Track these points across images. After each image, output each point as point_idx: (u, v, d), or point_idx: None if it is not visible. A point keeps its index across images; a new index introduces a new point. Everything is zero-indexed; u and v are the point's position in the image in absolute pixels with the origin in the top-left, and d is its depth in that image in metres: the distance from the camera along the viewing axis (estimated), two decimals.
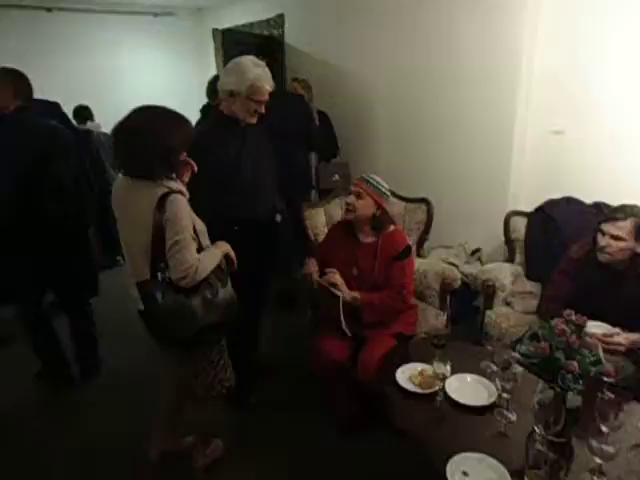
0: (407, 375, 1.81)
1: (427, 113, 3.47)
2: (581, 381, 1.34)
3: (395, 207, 2.81)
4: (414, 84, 3.52)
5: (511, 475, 1.36)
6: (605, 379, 1.60)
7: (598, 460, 1.31)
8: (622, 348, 1.88)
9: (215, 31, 4.36)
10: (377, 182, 2.23)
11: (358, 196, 2.19)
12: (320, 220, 2.92)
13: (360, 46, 3.83)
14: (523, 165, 3.13)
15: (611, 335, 1.90)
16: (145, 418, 2.28)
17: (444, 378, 1.69)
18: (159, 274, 1.65)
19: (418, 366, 1.83)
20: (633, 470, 1.37)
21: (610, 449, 1.30)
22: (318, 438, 2.28)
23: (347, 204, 2.23)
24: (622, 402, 1.43)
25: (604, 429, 1.36)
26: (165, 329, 1.71)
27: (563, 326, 1.38)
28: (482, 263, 3.24)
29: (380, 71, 3.73)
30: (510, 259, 2.87)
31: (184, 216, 1.65)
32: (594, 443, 1.32)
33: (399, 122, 3.72)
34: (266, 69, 2.19)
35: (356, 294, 2.16)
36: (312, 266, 2.29)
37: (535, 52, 2.92)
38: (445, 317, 2.52)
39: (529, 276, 2.69)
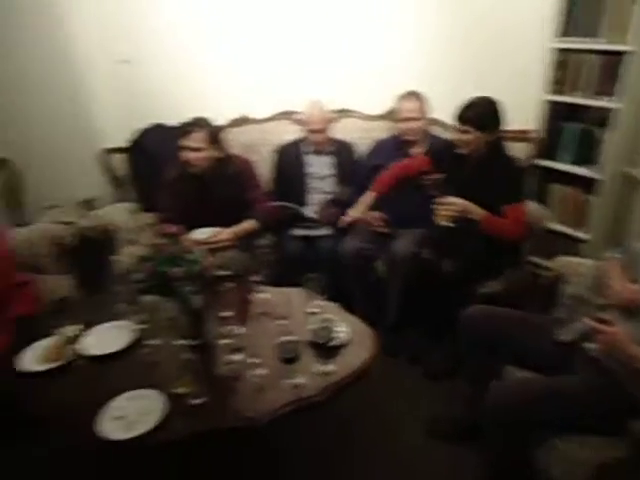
0: (35, 357, 1.57)
1: None
2: (192, 282, 1.43)
3: None
4: None
5: (168, 395, 1.38)
6: (221, 273, 1.81)
7: (228, 341, 1.49)
8: (228, 242, 2.15)
9: None
10: None
11: None
12: None
13: None
14: (104, 101, 2.98)
15: (216, 235, 2.13)
16: None
17: (76, 341, 1.55)
18: None
19: (45, 341, 1.62)
20: (263, 333, 1.59)
21: (234, 329, 1.48)
22: None
23: None
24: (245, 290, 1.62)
25: (226, 314, 1.54)
26: None
27: (160, 241, 1.42)
28: None
29: None
30: (124, 198, 2.79)
31: None
32: (224, 328, 1.47)
33: None
34: None
35: None
36: None
37: None
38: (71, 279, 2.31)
39: (146, 209, 2.70)
